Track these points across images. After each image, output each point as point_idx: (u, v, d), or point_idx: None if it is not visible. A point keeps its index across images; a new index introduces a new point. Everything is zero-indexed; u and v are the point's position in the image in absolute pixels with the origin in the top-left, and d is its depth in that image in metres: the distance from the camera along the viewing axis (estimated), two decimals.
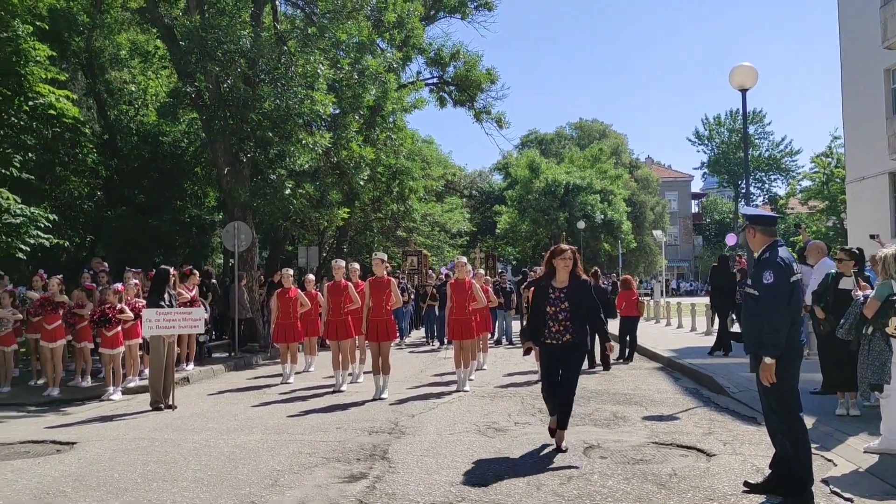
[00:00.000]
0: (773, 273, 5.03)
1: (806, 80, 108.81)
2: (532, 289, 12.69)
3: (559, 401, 6.64)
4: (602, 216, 38.52)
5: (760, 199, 68.64)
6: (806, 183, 41.65)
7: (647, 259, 49.48)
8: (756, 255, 5.39)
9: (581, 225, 36.75)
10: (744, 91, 11.57)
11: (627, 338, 13.99)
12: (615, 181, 42.72)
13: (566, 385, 6.67)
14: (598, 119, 61.48)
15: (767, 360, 4.99)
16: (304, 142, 16.12)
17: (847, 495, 5.18)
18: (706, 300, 19.21)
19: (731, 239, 43.27)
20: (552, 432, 6.86)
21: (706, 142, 70.30)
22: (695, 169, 75.07)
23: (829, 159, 37.66)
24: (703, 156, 78.79)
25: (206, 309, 13.39)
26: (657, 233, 40.01)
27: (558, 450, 6.63)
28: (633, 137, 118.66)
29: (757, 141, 66.54)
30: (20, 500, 5.52)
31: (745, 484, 5.37)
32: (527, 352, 7.14)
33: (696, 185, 76.47)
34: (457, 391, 10.61)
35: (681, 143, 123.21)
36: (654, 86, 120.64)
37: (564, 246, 6.92)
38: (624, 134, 60.21)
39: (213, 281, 16.89)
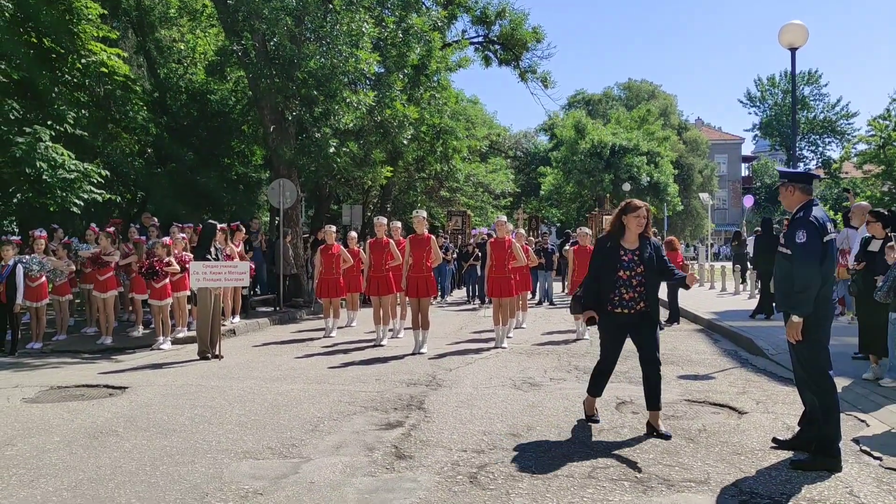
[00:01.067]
0: (806, 232, 5.00)
1: (865, 39, 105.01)
2: (575, 247, 12.86)
3: (649, 381, 5.82)
4: (648, 178, 38.01)
5: (814, 162, 66.94)
6: (861, 146, 40.46)
7: (694, 222, 48.81)
8: (792, 214, 5.34)
9: (627, 187, 36.36)
10: (793, 50, 11.33)
11: (669, 300, 13.96)
12: (663, 143, 42.04)
13: (652, 362, 5.81)
14: (648, 80, 60.26)
15: (795, 318, 5.00)
16: (348, 100, 16.22)
17: (877, 454, 5.21)
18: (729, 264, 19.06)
19: (748, 201, 42.37)
20: (589, 413, 6.28)
21: (758, 103, 68.47)
22: (746, 131, 73.56)
23: (887, 122, 36.46)
24: (754, 118, 76.96)
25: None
26: (704, 196, 39.35)
27: (655, 432, 5.77)
28: (683, 99, 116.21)
29: (812, 102, 64.63)
30: (75, 437, 5.84)
31: (774, 440, 5.43)
32: (590, 321, 6.09)
33: (748, 148, 74.83)
34: (495, 347, 10.77)
35: (732, 104, 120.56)
36: (705, 45, 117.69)
37: (638, 202, 6.02)
38: (674, 95, 59.00)
39: (261, 238, 17.24)
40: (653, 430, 5.77)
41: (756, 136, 71.46)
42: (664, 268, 6.01)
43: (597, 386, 6.21)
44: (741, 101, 70.39)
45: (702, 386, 7.82)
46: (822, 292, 5.03)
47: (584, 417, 6.32)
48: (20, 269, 10.69)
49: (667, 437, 5.65)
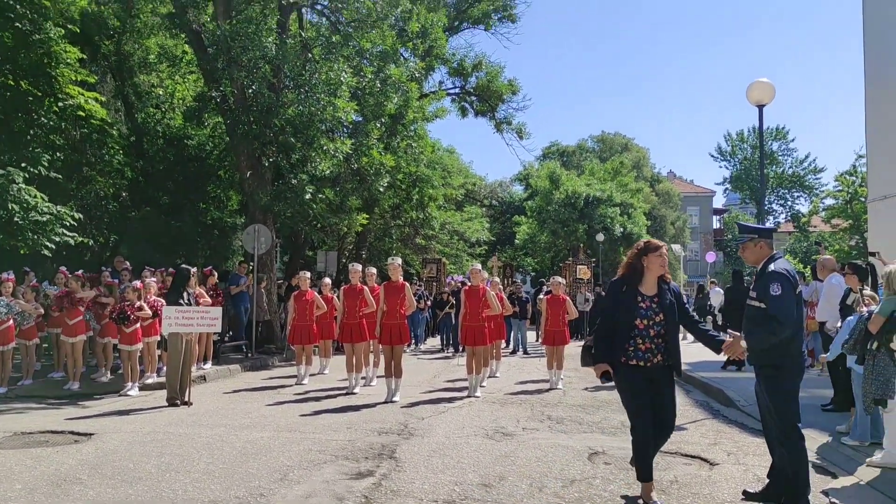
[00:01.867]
0: (781, 285, 5.06)
1: (831, 97, 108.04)
2: (548, 296, 12.91)
3: (660, 444, 5.40)
4: (622, 229, 38.38)
5: (783, 216, 68.13)
6: (829, 201, 41.34)
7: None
8: (759, 267, 5.41)
9: (600, 237, 36.68)
10: (761, 107, 11.65)
11: None
12: (636, 194, 42.58)
13: (667, 428, 5.36)
14: (621, 132, 61.20)
15: (744, 343, 5.19)
16: (325, 148, 16.35)
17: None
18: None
19: (710, 257, 43.11)
20: (647, 501, 5.26)
21: (729, 157, 69.89)
22: (717, 184, 74.60)
23: (854, 178, 37.36)
24: (725, 171, 78.32)
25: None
26: (676, 247, 39.81)
27: None
28: (656, 151, 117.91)
29: (780, 157, 66.10)
30: (38, 485, 5.71)
31: (744, 493, 5.44)
32: (604, 376, 5.40)
33: (719, 201, 75.99)
34: (468, 396, 10.72)
35: (703, 158, 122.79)
36: (677, 100, 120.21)
37: (657, 241, 5.50)
38: (646, 148, 59.94)
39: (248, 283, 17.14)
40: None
41: (727, 189, 72.81)
42: (688, 319, 5.54)
43: (643, 462, 5.24)
44: (712, 155, 71.90)
45: (674, 437, 7.76)
46: (792, 345, 5.12)
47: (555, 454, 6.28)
48: None
49: None
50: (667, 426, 5.34)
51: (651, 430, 5.22)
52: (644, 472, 5.24)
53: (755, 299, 5.27)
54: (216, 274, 14.53)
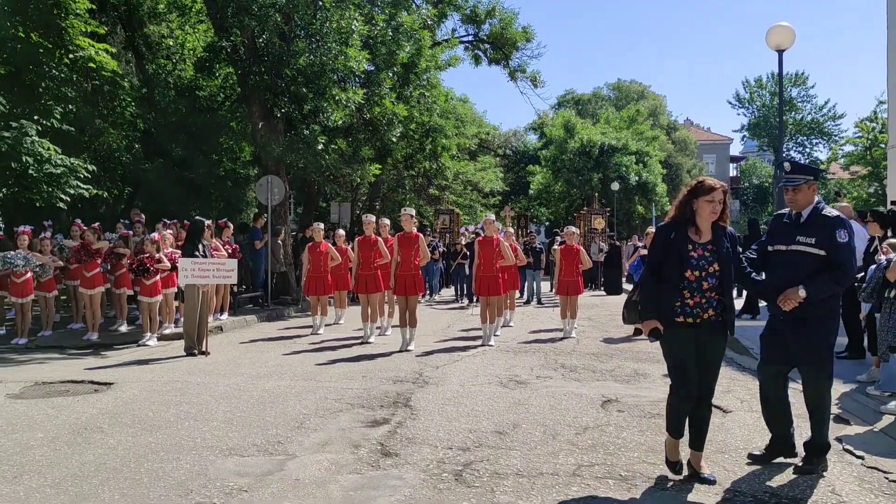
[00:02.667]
0: (847, 231, 4.76)
1: (852, 41, 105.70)
2: (562, 247, 12.87)
3: (695, 418, 4.81)
4: (637, 178, 38.10)
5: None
6: (848, 148, 40.78)
7: None
8: (806, 211, 4.90)
9: (615, 186, 36.43)
10: (781, 51, 11.40)
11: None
12: (651, 143, 42.16)
13: (706, 394, 4.80)
14: (637, 80, 60.44)
15: (802, 292, 4.69)
16: (337, 98, 16.21)
17: (859, 453, 5.26)
18: None
19: None
20: (673, 459, 4.89)
21: (747, 104, 68.79)
22: (734, 132, 73.81)
23: (874, 124, 36.76)
24: (743, 119, 77.27)
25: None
26: None
27: (698, 476, 4.75)
28: (673, 99, 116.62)
29: (799, 104, 65.00)
30: (59, 434, 5.82)
31: (749, 456, 5.25)
32: (653, 333, 4.68)
33: (736, 149, 75.15)
34: (482, 346, 10.79)
35: (721, 105, 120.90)
36: (695, 47, 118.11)
37: (713, 181, 4.69)
38: (663, 95, 59.17)
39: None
40: (693, 472, 4.78)
41: (744, 136, 71.81)
42: (739, 267, 4.91)
43: (675, 421, 4.81)
44: (730, 103, 70.71)
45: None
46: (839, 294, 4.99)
47: (573, 403, 6.30)
48: None
49: (711, 481, 4.67)
50: (706, 391, 4.76)
51: (695, 398, 4.70)
52: (674, 426, 4.82)
53: (809, 245, 4.78)
54: (231, 226, 14.56)
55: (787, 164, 4.98)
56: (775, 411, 5.13)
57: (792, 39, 11.30)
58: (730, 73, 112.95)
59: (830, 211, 4.84)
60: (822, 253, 4.73)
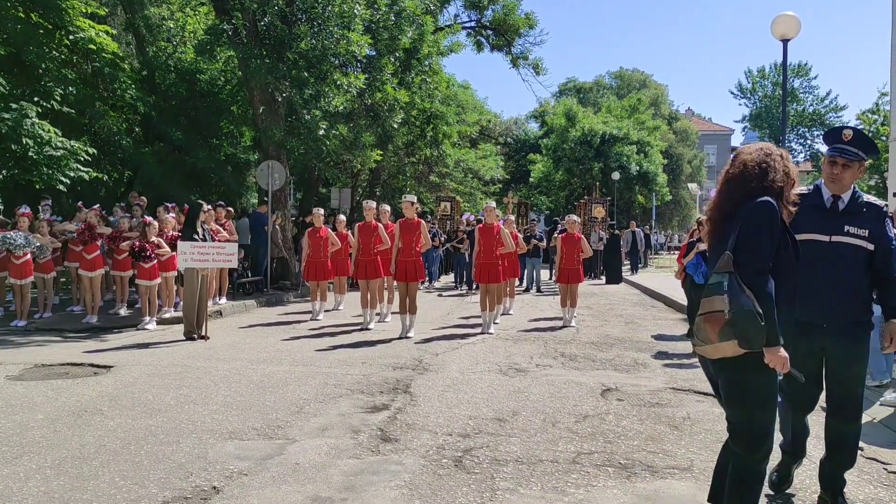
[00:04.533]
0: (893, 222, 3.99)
1: (855, 33, 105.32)
2: (563, 235, 12.87)
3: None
4: (637, 168, 38.02)
5: (802, 155, 67.22)
6: None
7: (682, 213, 48.94)
8: (846, 195, 3.95)
9: (616, 176, 36.36)
10: (785, 41, 11.34)
11: None
12: (653, 132, 42.06)
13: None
14: (639, 69, 60.27)
15: None
16: (339, 83, 16.15)
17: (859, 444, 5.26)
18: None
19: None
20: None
21: (749, 95, 68.84)
22: (736, 122, 73.77)
23: (876, 116, 36.63)
24: (745, 109, 77.17)
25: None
26: (693, 186, 39.49)
27: None
28: (674, 89, 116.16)
29: (801, 95, 64.92)
30: (59, 415, 5.81)
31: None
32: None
33: (737, 140, 75.04)
34: (481, 333, 10.79)
35: (723, 95, 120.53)
36: (697, 36, 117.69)
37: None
38: (665, 85, 59.03)
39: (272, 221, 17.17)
40: None
41: (746, 127, 71.79)
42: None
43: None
44: (732, 93, 70.94)
45: (687, 375, 7.86)
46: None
47: (569, 390, 6.30)
48: None
49: None
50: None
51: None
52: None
53: (862, 237, 3.90)
54: (230, 210, 14.54)
55: (847, 132, 3.82)
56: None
57: (797, 29, 11.23)
58: (732, 63, 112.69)
59: (871, 197, 3.98)
60: (871, 247, 3.90)
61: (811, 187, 4.07)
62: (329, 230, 13.16)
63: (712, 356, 3.18)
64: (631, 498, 4.23)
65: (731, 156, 3.49)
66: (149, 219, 11.49)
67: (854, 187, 3.94)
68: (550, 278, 21.23)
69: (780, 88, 64.63)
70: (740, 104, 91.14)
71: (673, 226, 49.75)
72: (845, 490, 4.10)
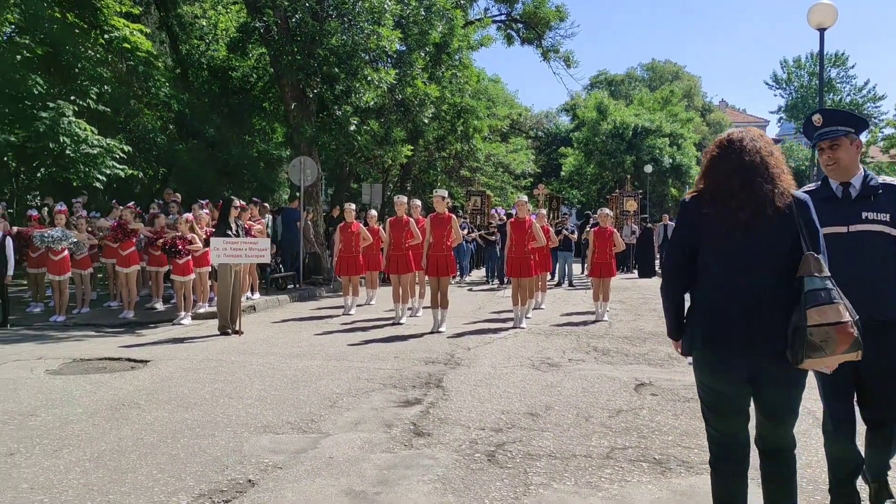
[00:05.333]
0: None
1: (893, 21, 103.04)
2: (596, 229, 12.77)
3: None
4: (670, 160, 37.62)
5: None
6: (888, 130, 39.87)
7: None
8: (856, 180, 3.66)
9: (648, 169, 36.01)
10: (822, 30, 11.15)
11: None
12: (686, 124, 41.59)
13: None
14: (672, 60, 59.60)
15: None
16: (369, 78, 16.19)
17: None
18: None
19: None
20: None
21: (784, 85, 67.55)
22: (771, 113, 72.50)
23: None
24: (780, 100, 75.86)
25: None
26: None
27: None
28: (708, 80, 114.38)
29: (838, 85, 63.65)
30: (98, 409, 5.91)
31: None
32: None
33: (772, 131, 73.92)
34: (513, 328, 10.76)
35: (757, 86, 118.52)
36: (731, 26, 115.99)
37: None
38: (698, 76, 58.28)
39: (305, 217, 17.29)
40: None
41: (781, 118, 70.57)
42: None
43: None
44: (767, 83, 69.50)
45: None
46: None
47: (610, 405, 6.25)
48: (9, 242, 10.85)
49: None
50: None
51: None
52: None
53: (884, 223, 3.58)
54: (266, 206, 14.66)
55: (816, 117, 3.65)
56: None
57: (834, 18, 11.03)
58: (767, 53, 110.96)
59: (887, 178, 3.70)
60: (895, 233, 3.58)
61: (818, 182, 3.85)
62: (361, 225, 13.21)
63: (830, 367, 2.98)
64: (666, 493, 4.20)
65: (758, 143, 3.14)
66: (189, 215, 11.61)
67: (864, 170, 3.70)
68: (582, 272, 21.11)
69: (816, 78, 63.46)
70: (775, 95, 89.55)
71: None
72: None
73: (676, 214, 3.35)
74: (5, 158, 15.06)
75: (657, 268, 23.54)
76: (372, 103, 16.86)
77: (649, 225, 24.06)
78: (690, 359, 3.31)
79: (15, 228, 11.94)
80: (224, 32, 22.16)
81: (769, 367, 2.98)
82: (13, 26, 14.89)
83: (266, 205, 14.78)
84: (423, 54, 18.37)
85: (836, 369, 3.08)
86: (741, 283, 2.99)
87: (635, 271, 23.40)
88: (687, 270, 3.13)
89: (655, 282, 20.53)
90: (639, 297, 15.82)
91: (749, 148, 3.07)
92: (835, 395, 3.69)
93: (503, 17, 30.18)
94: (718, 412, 3.20)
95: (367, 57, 16.37)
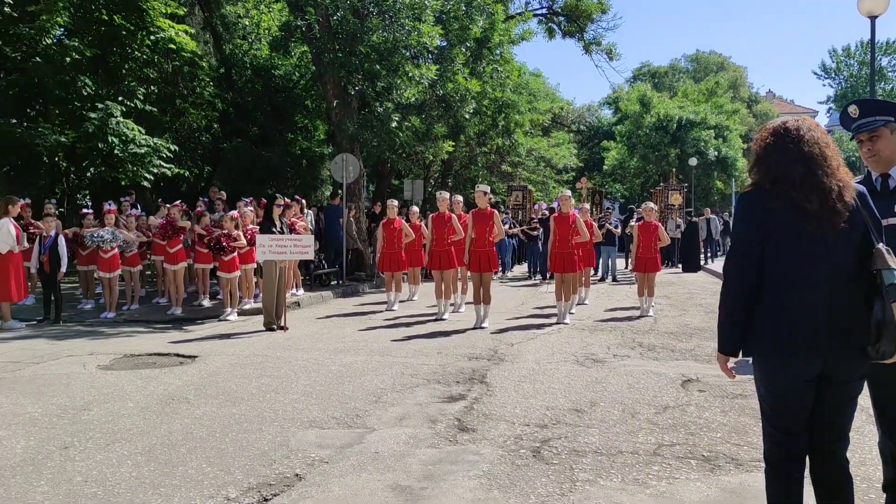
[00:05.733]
0: None
1: None
2: (640, 223, 12.63)
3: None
4: (716, 153, 37.03)
5: None
6: None
7: None
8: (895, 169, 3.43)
9: (693, 162, 35.49)
10: (873, 18, 10.85)
11: None
12: (731, 116, 40.92)
13: None
14: (716, 51, 58.73)
15: None
16: (410, 74, 16.22)
17: None
18: None
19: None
20: None
21: (833, 75, 66.02)
22: (820, 103, 70.91)
23: None
24: (829, 90, 74.13)
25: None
26: None
27: None
28: (754, 71, 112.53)
29: (890, 74, 61.94)
30: (148, 404, 6.02)
31: None
32: None
33: (821, 122, 72.30)
34: (557, 323, 10.70)
35: (805, 76, 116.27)
36: (777, 15, 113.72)
37: None
38: (744, 66, 57.38)
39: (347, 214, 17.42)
40: None
41: (830, 108, 68.94)
42: None
43: None
44: (815, 73, 67.92)
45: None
46: None
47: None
48: (62, 240, 11.08)
49: None
50: None
51: None
52: None
53: None
54: (303, 202, 14.77)
55: (853, 108, 3.44)
56: None
57: (885, 5, 10.73)
58: (815, 42, 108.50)
59: None
60: None
61: (862, 175, 3.66)
62: (403, 221, 13.25)
63: None
64: (715, 491, 4.13)
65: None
66: (234, 213, 11.77)
67: None
68: (626, 267, 20.91)
69: (866, 67, 61.85)
70: (824, 84, 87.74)
71: None
72: None
73: (735, 211, 3.12)
74: (56, 158, 15.43)
75: (703, 262, 23.23)
76: (413, 99, 16.88)
77: (694, 219, 23.71)
78: (737, 359, 3.17)
79: (70, 231, 12.22)
80: (266, 31, 22.39)
81: (843, 364, 2.87)
82: (63, 29, 15.24)
83: (303, 201, 14.89)
84: (463, 49, 18.33)
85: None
86: (817, 279, 2.84)
87: (680, 266, 23.09)
88: (756, 272, 2.94)
89: (701, 276, 20.25)
90: (684, 292, 15.60)
91: (807, 139, 2.92)
92: None
93: (544, 11, 29.99)
94: (784, 412, 3.02)
95: (408, 53, 16.40)
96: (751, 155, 3.15)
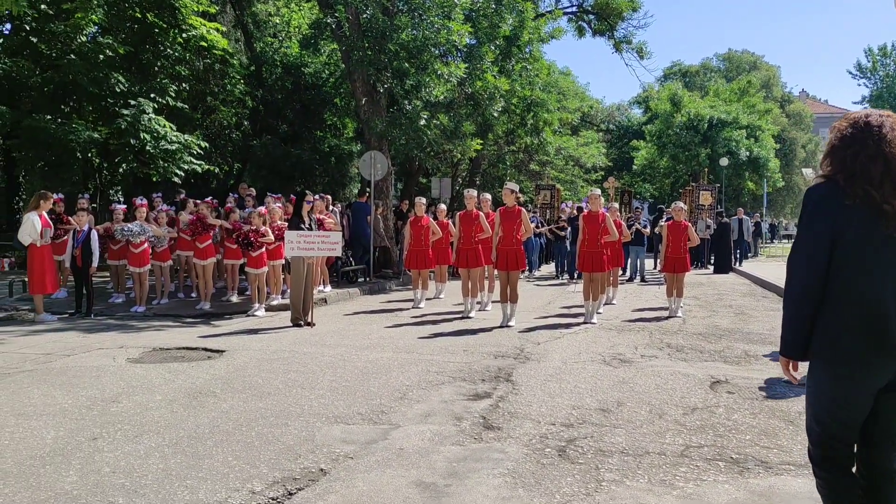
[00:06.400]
0: None
1: None
2: (669, 223, 12.50)
3: None
4: (748, 153, 36.55)
5: None
6: None
7: (795, 199, 46.87)
8: None
9: (724, 162, 35.08)
10: None
11: None
12: (764, 116, 40.38)
13: None
14: (749, 50, 58.10)
15: None
16: (439, 72, 16.22)
17: None
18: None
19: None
20: None
21: (869, 75, 64.90)
22: (854, 103, 69.59)
23: None
24: (864, 90, 72.84)
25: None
26: (807, 171, 37.69)
27: None
28: (787, 70, 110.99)
29: None
30: (176, 397, 6.07)
31: None
32: None
33: None
34: (584, 323, 10.63)
35: (840, 76, 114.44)
36: (811, 13, 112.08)
37: None
38: (776, 66, 56.65)
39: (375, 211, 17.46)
40: None
41: (865, 109, 67.76)
42: None
43: None
44: (850, 73, 66.78)
45: (802, 368, 7.49)
46: None
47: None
48: (94, 235, 11.21)
49: None
50: None
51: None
52: None
53: None
54: (328, 198, 14.84)
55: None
56: None
57: None
58: (850, 41, 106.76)
59: None
60: None
61: None
62: (430, 219, 13.25)
63: None
64: (744, 494, 4.07)
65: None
66: (262, 209, 11.84)
67: None
68: (655, 267, 20.73)
69: None
70: (859, 84, 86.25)
71: (785, 213, 47.67)
72: None
73: (804, 204, 2.91)
74: (89, 154, 15.65)
75: (734, 263, 22.95)
76: (442, 97, 16.88)
77: (725, 219, 23.44)
78: (773, 356, 3.08)
79: (102, 227, 12.38)
80: (296, 29, 22.54)
81: None
82: (97, 26, 15.45)
83: (328, 198, 14.95)
84: (493, 48, 18.29)
85: None
86: (892, 282, 2.73)
87: (710, 266, 22.84)
88: (826, 271, 2.79)
89: (731, 278, 20.00)
90: (714, 293, 15.43)
91: (889, 138, 2.74)
92: None
93: (574, 9, 29.82)
94: (843, 420, 2.88)
95: (437, 51, 16.40)
96: (825, 145, 2.99)
